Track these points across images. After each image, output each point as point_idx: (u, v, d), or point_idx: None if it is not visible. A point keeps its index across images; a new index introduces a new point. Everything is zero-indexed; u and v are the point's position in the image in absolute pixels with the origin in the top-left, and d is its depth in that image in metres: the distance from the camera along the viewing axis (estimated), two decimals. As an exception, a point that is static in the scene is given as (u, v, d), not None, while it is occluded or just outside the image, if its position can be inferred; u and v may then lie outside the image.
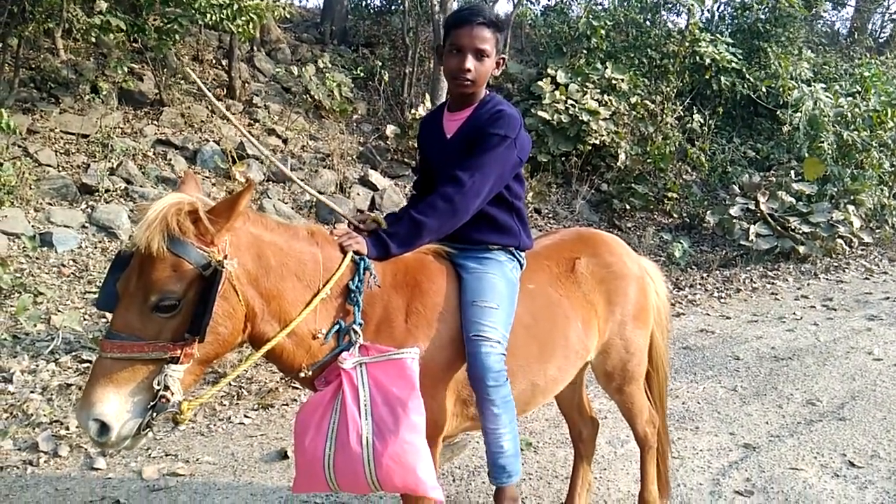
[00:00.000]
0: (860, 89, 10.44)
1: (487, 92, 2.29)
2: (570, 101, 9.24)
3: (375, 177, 8.14)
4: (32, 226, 5.65)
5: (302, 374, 1.95)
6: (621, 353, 2.64)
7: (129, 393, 1.64)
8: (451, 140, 2.25)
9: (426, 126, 2.43)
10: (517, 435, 2.15)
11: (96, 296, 1.94)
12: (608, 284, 2.56)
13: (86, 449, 3.42)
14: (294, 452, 2.01)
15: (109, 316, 1.72)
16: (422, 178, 2.51)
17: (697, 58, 10.54)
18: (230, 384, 4.19)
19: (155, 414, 1.67)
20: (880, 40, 16.82)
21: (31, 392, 3.87)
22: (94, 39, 6.81)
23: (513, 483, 2.17)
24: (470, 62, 2.13)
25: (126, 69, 7.10)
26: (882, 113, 9.64)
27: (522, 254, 2.40)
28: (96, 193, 6.21)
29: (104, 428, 1.63)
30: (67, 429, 3.57)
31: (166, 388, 1.65)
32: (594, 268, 2.55)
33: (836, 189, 9.23)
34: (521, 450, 3.63)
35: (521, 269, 2.37)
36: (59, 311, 4.84)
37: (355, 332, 1.93)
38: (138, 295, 1.66)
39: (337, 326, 1.95)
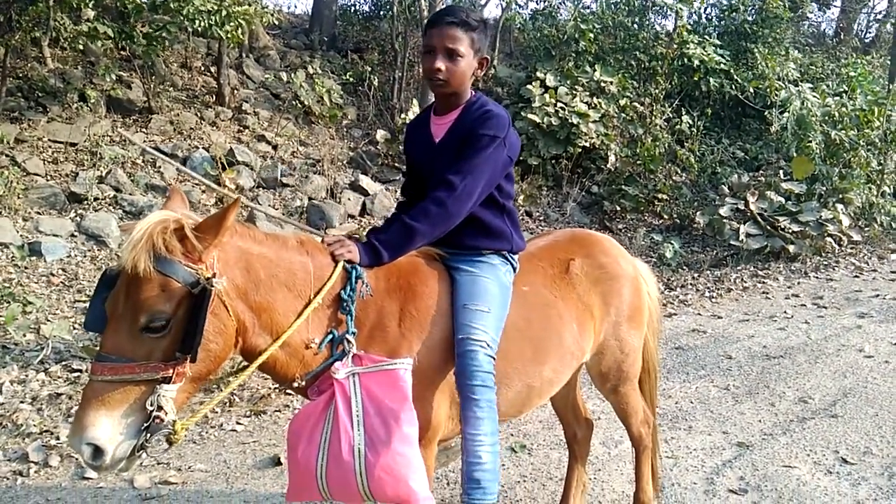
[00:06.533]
0: (847, 89, 10.53)
1: (474, 93, 2.27)
2: (559, 104, 9.26)
3: (366, 181, 8.14)
4: (21, 235, 5.61)
5: (296, 384, 1.93)
6: (616, 354, 2.64)
7: (121, 415, 1.62)
8: (440, 144, 2.24)
9: (413, 131, 2.41)
10: (497, 452, 2.02)
11: (84, 317, 1.91)
12: (603, 285, 2.55)
13: (76, 459, 3.39)
14: (287, 462, 1.99)
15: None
16: (410, 182, 2.48)
17: (685, 60, 10.59)
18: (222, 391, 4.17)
19: (149, 435, 1.65)
20: (866, 40, 16.99)
21: (21, 402, 3.83)
22: (81, 47, 6.79)
23: None
24: (440, 62, 2.12)
25: (114, 77, 7.07)
26: (868, 112, 9.71)
27: (516, 257, 2.38)
28: (85, 202, 6.17)
29: (98, 451, 1.61)
30: (58, 439, 3.54)
31: (160, 408, 1.63)
32: (589, 269, 2.54)
33: (824, 188, 9.27)
34: (515, 451, 3.63)
35: (515, 272, 2.35)
36: (48, 320, 4.80)
37: (348, 341, 1.91)
38: (127, 316, 1.63)
39: (330, 336, 1.93)
